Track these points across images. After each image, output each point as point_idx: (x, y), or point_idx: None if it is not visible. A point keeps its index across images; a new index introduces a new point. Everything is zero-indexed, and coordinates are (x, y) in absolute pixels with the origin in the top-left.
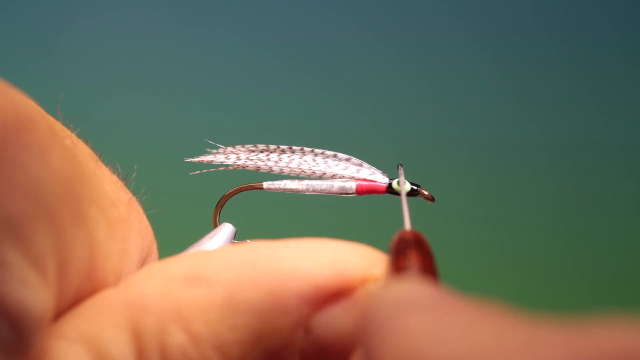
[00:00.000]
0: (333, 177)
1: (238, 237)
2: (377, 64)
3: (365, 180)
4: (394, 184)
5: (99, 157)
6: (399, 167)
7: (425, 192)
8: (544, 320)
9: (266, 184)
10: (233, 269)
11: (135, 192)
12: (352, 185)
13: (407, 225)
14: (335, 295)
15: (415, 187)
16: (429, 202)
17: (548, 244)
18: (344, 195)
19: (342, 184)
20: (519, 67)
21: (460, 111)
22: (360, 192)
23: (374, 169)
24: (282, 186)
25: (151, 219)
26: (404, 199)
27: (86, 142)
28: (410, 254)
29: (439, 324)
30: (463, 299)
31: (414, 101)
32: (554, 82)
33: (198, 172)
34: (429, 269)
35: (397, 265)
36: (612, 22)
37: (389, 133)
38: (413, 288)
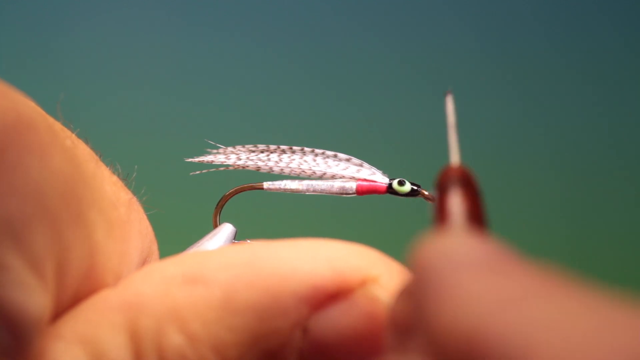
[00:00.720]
0: (333, 177)
1: (238, 237)
2: (378, 63)
3: (365, 180)
4: (394, 184)
5: (99, 157)
6: (448, 94)
7: (426, 193)
8: (614, 296)
9: (266, 184)
10: (231, 269)
11: (135, 192)
12: (352, 185)
13: (455, 159)
14: (333, 296)
15: (415, 188)
16: (430, 203)
17: (550, 244)
18: (344, 196)
19: (342, 184)
20: (519, 66)
21: (461, 110)
22: (360, 192)
23: (374, 169)
24: (282, 186)
25: (151, 219)
26: (451, 127)
27: (86, 142)
28: (456, 195)
29: (500, 287)
30: (520, 259)
31: (415, 101)
32: (556, 81)
33: (198, 172)
34: (477, 215)
35: (442, 209)
36: (612, 22)
37: (389, 132)
38: (464, 242)
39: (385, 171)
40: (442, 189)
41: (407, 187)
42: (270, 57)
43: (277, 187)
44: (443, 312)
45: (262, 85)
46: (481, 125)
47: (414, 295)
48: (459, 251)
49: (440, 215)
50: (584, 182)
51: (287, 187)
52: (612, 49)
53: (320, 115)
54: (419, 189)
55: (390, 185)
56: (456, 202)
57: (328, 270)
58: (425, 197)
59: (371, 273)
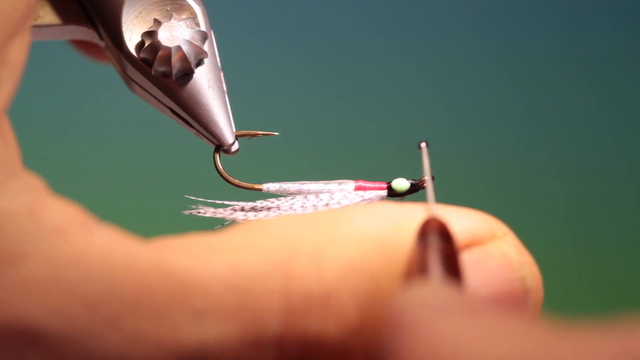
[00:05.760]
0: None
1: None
2: (378, 62)
3: (364, 182)
4: (394, 183)
5: None
6: (422, 147)
7: (425, 177)
8: (573, 324)
9: (265, 186)
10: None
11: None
12: (350, 187)
13: (431, 212)
14: (470, 243)
15: (414, 182)
16: (432, 182)
17: (553, 245)
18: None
19: (341, 187)
20: (523, 68)
21: (462, 110)
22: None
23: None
24: (281, 190)
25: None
26: (428, 182)
27: None
28: (434, 246)
29: (474, 328)
30: (490, 304)
31: (415, 100)
32: (558, 81)
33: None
34: (453, 266)
35: (422, 260)
36: (614, 21)
37: (388, 131)
38: (441, 291)
39: (383, 178)
40: (422, 241)
41: (406, 184)
42: (268, 55)
43: (276, 189)
44: (415, 352)
45: (260, 84)
46: (482, 126)
47: (388, 341)
48: (433, 298)
49: (421, 265)
50: (585, 184)
51: (287, 190)
52: (613, 50)
53: (319, 114)
54: (417, 181)
55: (389, 186)
56: (434, 253)
57: (476, 222)
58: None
59: (497, 232)
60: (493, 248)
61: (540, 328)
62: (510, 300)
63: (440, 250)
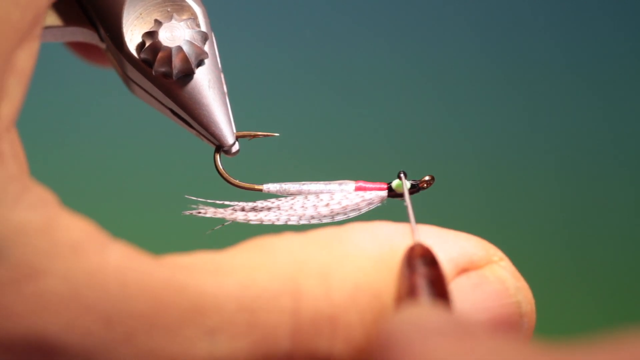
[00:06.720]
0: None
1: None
2: (378, 62)
3: (364, 182)
4: (394, 184)
5: None
6: (400, 177)
7: (425, 178)
8: (561, 345)
9: (266, 187)
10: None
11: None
12: (351, 187)
13: (415, 238)
14: (467, 268)
15: (414, 183)
16: (432, 183)
17: (553, 248)
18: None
19: (341, 188)
20: (522, 69)
21: (462, 112)
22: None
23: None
24: (281, 190)
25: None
26: (409, 208)
27: None
28: (421, 272)
29: (464, 348)
30: (482, 326)
31: (415, 100)
32: (558, 82)
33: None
34: (441, 289)
35: (410, 285)
36: (614, 22)
37: (388, 131)
38: (431, 312)
39: (383, 179)
40: (409, 268)
41: (407, 184)
42: (267, 55)
43: (276, 189)
44: None
45: (260, 85)
46: (483, 127)
47: None
48: (423, 320)
49: (410, 290)
50: (586, 185)
51: (287, 191)
52: (613, 50)
53: (319, 115)
54: (417, 182)
55: (389, 187)
56: (421, 278)
57: (473, 247)
58: (427, 182)
59: (494, 257)
60: (490, 272)
61: (532, 348)
62: (506, 324)
63: (427, 274)
